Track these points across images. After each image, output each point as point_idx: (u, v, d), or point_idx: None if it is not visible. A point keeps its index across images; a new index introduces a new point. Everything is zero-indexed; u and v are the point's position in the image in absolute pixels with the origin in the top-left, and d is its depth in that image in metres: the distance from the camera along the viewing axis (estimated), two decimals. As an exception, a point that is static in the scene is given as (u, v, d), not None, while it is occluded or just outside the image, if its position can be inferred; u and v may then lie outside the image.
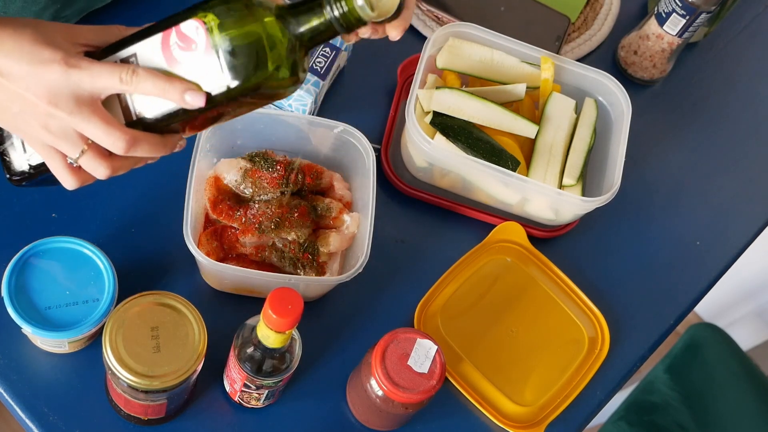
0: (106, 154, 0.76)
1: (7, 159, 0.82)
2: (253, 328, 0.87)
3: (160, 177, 1.06)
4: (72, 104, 0.72)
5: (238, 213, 1.00)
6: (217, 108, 0.74)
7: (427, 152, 1.05)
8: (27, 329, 0.89)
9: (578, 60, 1.29)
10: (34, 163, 0.81)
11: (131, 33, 0.76)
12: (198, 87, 0.72)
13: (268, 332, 0.84)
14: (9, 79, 0.73)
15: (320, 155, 1.08)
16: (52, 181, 0.81)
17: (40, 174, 0.81)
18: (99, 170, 0.76)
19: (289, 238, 1.00)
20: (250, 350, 0.88)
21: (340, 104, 1.16)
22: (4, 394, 0.94)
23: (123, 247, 1.01)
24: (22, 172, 0.82)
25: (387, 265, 1.08)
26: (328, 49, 1.13)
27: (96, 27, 0.78)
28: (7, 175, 0.83)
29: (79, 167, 0.77)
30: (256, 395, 0.94)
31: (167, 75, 0.73)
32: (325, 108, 1.15)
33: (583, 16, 1.32)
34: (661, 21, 1.23)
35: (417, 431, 1.02)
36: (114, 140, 0.73)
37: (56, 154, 0.76)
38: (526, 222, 1.13)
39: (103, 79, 0.72)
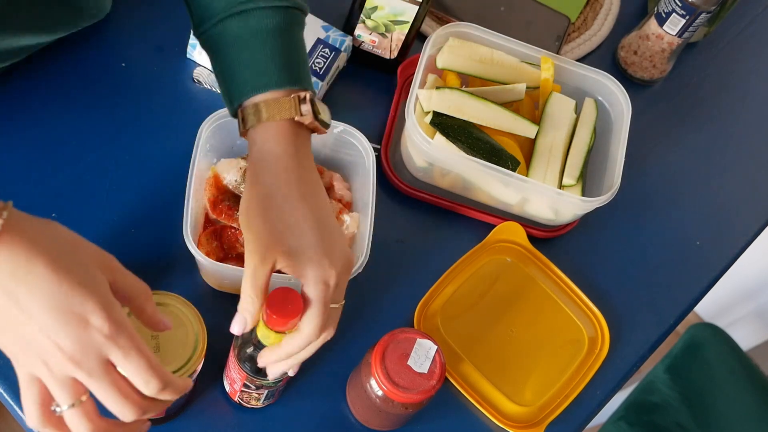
0: (96, 414, 0.69)
1: None
2: (253, 329, 0.87)
3: (160, 177, 1.06)
4: (92, 363, 0.66)
5: (238, 213, 1.00)
6: None
7: (427, 152, 1.05)
8: (27, 329, 0.89)
9: (578, 60, 1.29)
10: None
11: (151, 304, 0.75)
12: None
13: (268, 332, 0.84)
14: (20, 309, 0.65)
15: (320, 155, 1.08)
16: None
17: None
18: (81, 429, 0.69)
19: (289, 238, 1.00)
20: (250, 350, 0.88)
21: (340, 104, 1.16)
22: (4, 395, 0.94)
23: (123, 247, 1.01)
24: None
25: (387, 265, 1.08)
26: (327, 50, 1.13)
27: (123, 272, 0.73)
28: None
29: (58, 417, 0.69)
30: (256, 395, 0.94)
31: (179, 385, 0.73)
32: (325, 108, 1.15)
33: (583, 16, 1.32)
34: (661, 21, 1.23)
35: (417, 431, 1.02)
36: (117, 408, 0.68)
37: (37, 389, 0.69)
38: (526, 222, 1.14)
39: (130, 365, 0.67)
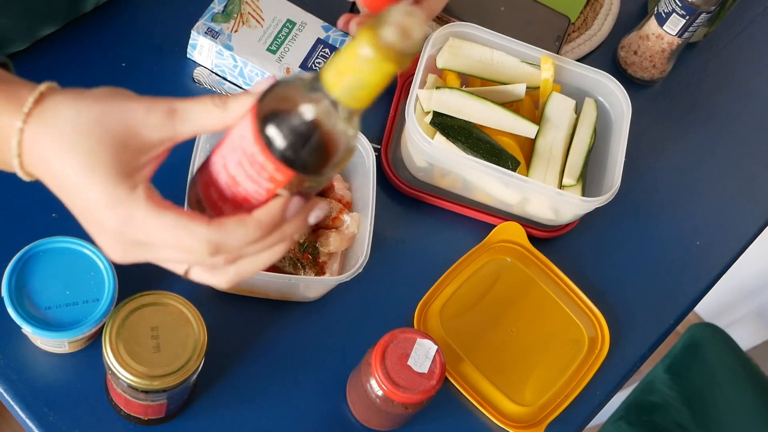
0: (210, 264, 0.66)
1: None
2: (305, 85, 0.56)
3: (159, 177, 1.05)
4: (134, 250, 0.65)
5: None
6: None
7: (427, 152, 1.05)
8: (27, 329, 0.89)
9: (578, 60, 1.29)
10: None
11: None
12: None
13: (367, 52, 0.51)
14: (76, 200, 0.65)
15: (320, 155, 1.08)
16: None
17: None
18: (216, 280, 0.68)
19: (289, 238, 1.00)
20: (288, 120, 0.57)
21: (340, 104, 1.16)
22: (4, 394, 0.94)
23: (123, 247, 1.01)
24: None
25: (387, 265, 1.08)
26: (327, 50, 1.13)
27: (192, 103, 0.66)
28: None
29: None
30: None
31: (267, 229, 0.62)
32: (325, 108, 1.15)
33: (583, 16, 1.32)
34: (661, 21, 1.23)
35: (417, 431, 1.02)
36: (191, 255, 0.64)
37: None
38: (526, 222, 1.13)
39: (160, 260, 0.65)
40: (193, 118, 0.64)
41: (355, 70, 0.53)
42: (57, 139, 0.64)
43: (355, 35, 0.53)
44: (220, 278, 0.67)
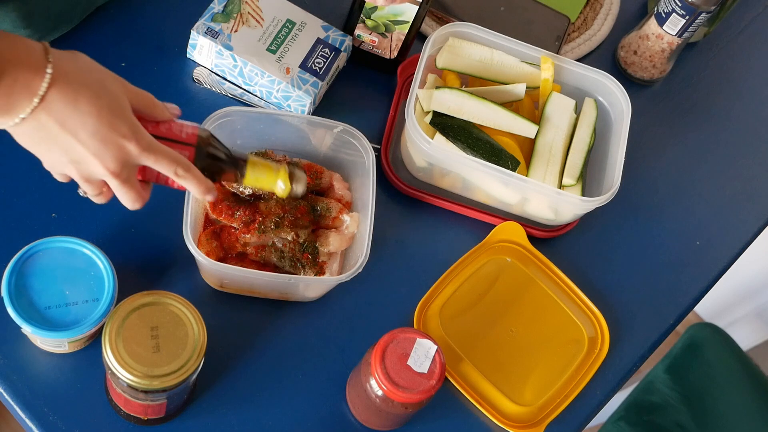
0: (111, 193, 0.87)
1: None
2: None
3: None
4: (127, 173, 0.83)
5: (238, 213, 1.00)
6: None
7: (427, 152, 1.05)
8: (27, 329, 0.89)
9: (578, 60, 1.29)
10: None
11: (160, 105, 0.87)
12: (213, 189, 0.88)
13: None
14: (77, 137, 0.80)
15: (320, 155, 1.08)
16: None
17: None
18: (99, 199, 0.87)
19: (289, 238, 1.00)
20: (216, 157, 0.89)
21: (340, 104, 1.16)
22: (4, 394, 0.94)
23: (123, 247, 1.01)
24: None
25: (387, 265, 1.08)
26: (327, 50, 1.13)
27: (135, 91, 0.85)
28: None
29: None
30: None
31: (204, 179, 0.87)
32: (325, 108, 1.15)
33: (583, 16, 1.32)
34: (661, 21, 1.23)
35: (417, 431, 1.02)
36: (130, 204, 0.86)
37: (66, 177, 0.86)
38: (526, 222, 1.14)
39: (161, 167, 0.84)
40: (156, 165, 0.84)
41: (264, 185, 0.92)
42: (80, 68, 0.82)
43: (281, 168, 0.92)
44: (104, 200, 0.88)
